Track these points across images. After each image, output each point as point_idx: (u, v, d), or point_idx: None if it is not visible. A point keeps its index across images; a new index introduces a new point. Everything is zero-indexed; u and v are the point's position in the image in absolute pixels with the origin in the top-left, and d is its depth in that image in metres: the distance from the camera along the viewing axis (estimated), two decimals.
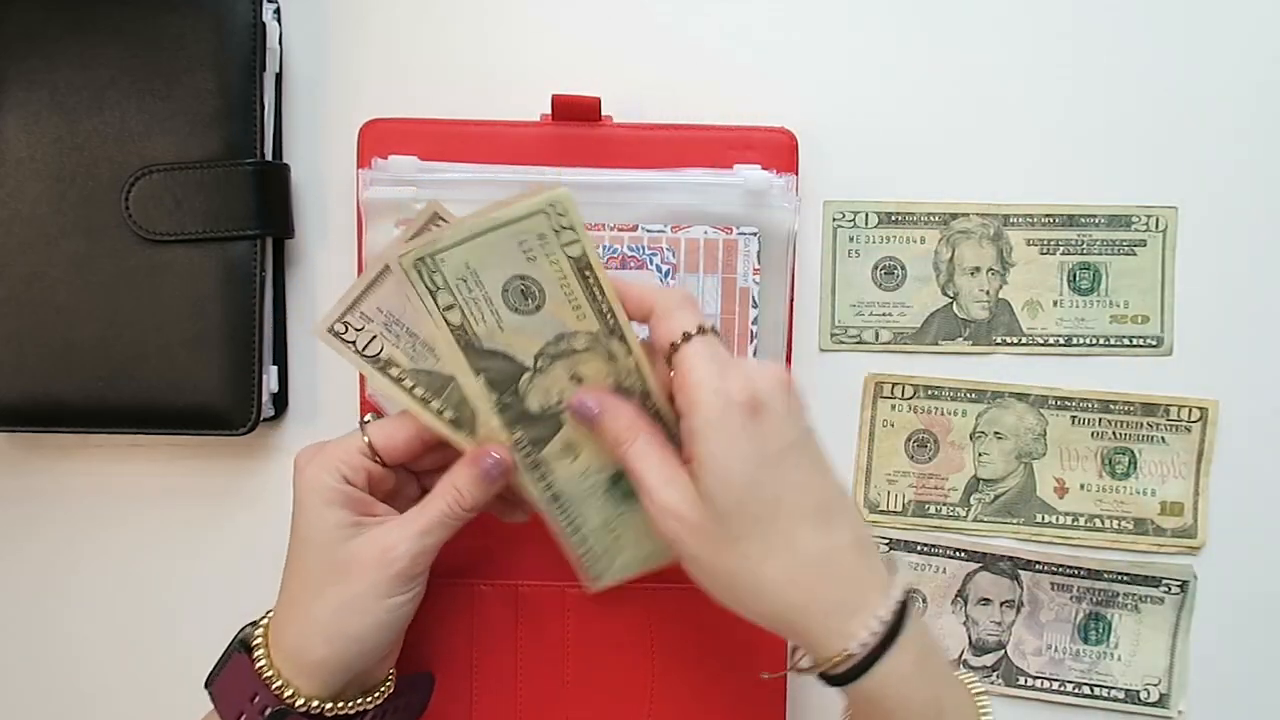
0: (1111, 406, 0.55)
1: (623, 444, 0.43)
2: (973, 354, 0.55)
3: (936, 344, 0.55)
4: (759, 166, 0.52)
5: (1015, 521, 0.55)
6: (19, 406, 0.51)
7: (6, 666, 0.56)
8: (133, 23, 0.51)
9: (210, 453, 0.55)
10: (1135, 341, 0.55)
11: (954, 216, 0.55)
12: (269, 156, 0.53)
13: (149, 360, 0.51)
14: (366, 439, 0.45)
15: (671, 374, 0.43)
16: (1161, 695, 0.55)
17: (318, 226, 0.55)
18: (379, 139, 0.52)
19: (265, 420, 0.53)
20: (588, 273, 0.44)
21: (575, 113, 0.52)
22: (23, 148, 0.51)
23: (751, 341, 0.52)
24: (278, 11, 0.54)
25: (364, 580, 0.43)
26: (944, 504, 0.55)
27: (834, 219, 0.55)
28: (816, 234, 0.55)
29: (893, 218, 0.55)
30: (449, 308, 0.43)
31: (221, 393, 0.52)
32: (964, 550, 0.55)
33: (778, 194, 0.52)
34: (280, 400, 0.55)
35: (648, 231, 0.51)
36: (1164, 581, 0.55)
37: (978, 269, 0.55)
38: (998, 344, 0.55)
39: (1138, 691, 0.55)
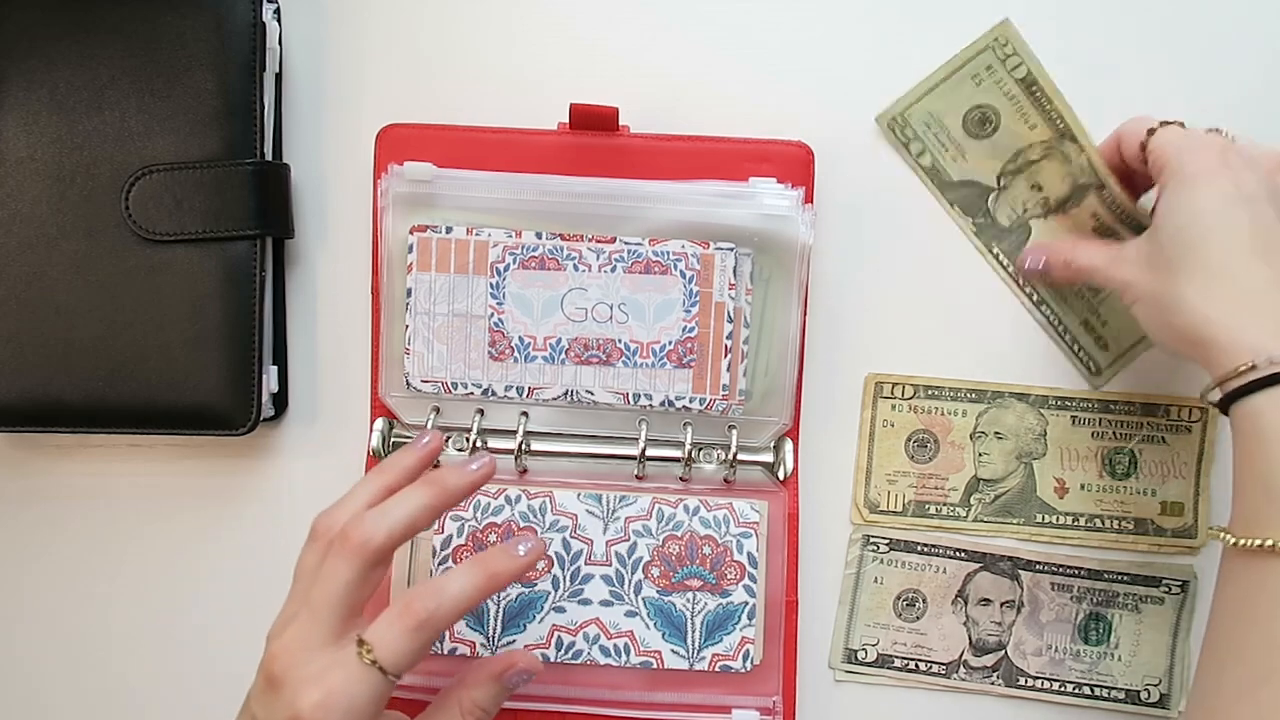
0: (1112, 406, 0.54)
1: (1073, 258, 0.50)
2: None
3: None
4: (774, 180, 0.52)
5: (1015, 522, 0.55)
6: (19, 406, 0.51)
7: (6, 665, 0.56)
8: (133, 23, 0.51)
9: (210, 453, 0.55)
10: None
11: None
12: (269, 156, 0.53)
13: (149, 360, 0.51)
14: (373, 662, 0.39)
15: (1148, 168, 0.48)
16: (1162, 695, 0.55)
17: (318, 226, 0.55)
18: (395, 144, 0.52)
19: (265, 420, 0.53)
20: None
21: (593, 122, 0.52)
22: (23, 148, 0.51)
23: (742, 362, 0.52)
24: (278, 11, 0.54)
25: None
26: (944, 504, 0.55)
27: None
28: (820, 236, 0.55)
29: None
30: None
31: (221, 393, 0.51)
32: (964, 550, 0.55)
33: (791, 208, 0.51)
34: (280, 400, 0.55)
35: (626, 244, 0.51)
36: (1164, 581, 0.55)
37: None
38: None
39: (1138, 692, 0.55)
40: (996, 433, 0.55)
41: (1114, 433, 0.55)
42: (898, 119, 0.53)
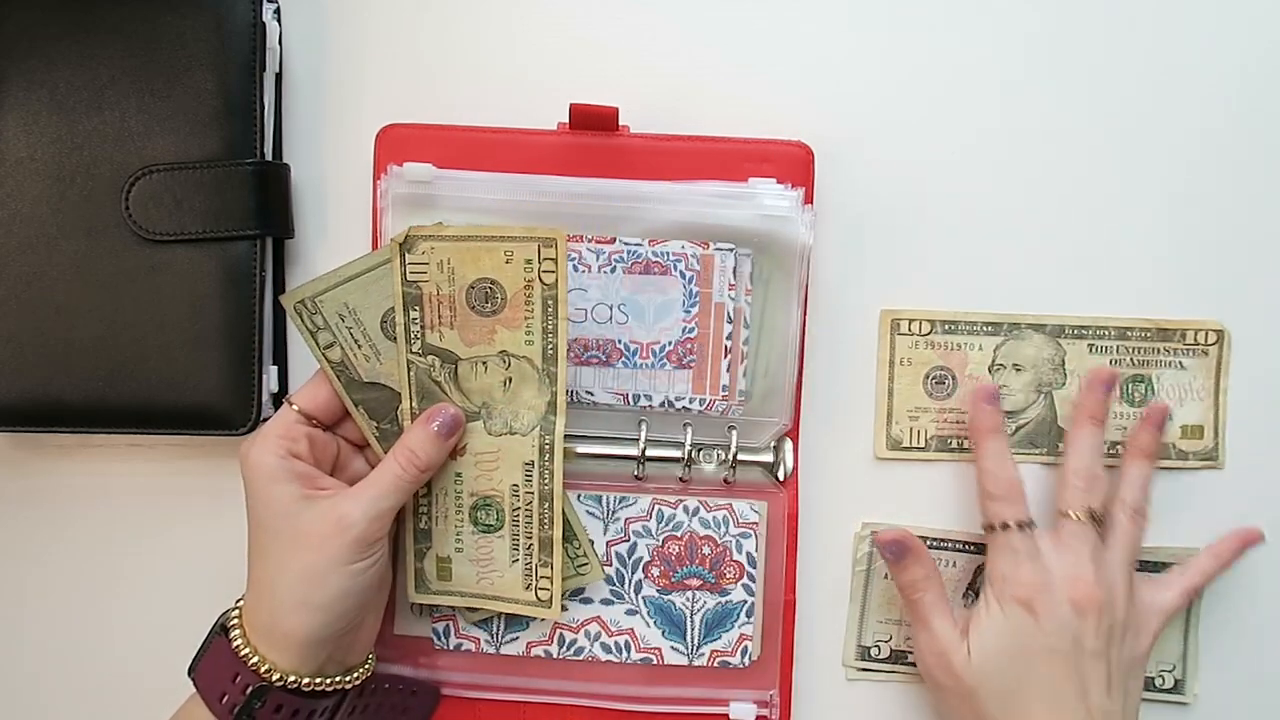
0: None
1: (918, 591, 0.51)
2: None
3: None
4: (774, 180, 0.52)
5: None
6: (19, 406, 0.51)
7: (8, 665, 0.56)
8: (133, 23, 0.51)
9: (210, 453, 0.55)
10: None
11: None
12: (269, 156, 0.53)
13: (149, 360, 0.51)
14: (295, 406, 0.48)
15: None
16: (1177, 681, 0.54)
17: (318, 226, 0.55)
18: (395, 145, 0.52)
19: (265, 420, 0.53)
20: None
21: (592, 122, 0.52)
22: (23, 148, 0.51)
23: (742, 362, 0.52)
24: (278, 11, 0.54)
25: (323, 551, 0.44)
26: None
27: None
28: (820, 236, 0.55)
29: None
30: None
31: (221, 393, 0.51)
32: (973, 544, 0.54)
33: (791, 208, 0.51)
34: (280, 400, 0.54)
35: (625, 244, 0.51)
36: (1172, 568, 0.54)
37: None
38: None
39: (1152, 678, 0.54)
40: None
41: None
42: (307, 303, 0.48)
